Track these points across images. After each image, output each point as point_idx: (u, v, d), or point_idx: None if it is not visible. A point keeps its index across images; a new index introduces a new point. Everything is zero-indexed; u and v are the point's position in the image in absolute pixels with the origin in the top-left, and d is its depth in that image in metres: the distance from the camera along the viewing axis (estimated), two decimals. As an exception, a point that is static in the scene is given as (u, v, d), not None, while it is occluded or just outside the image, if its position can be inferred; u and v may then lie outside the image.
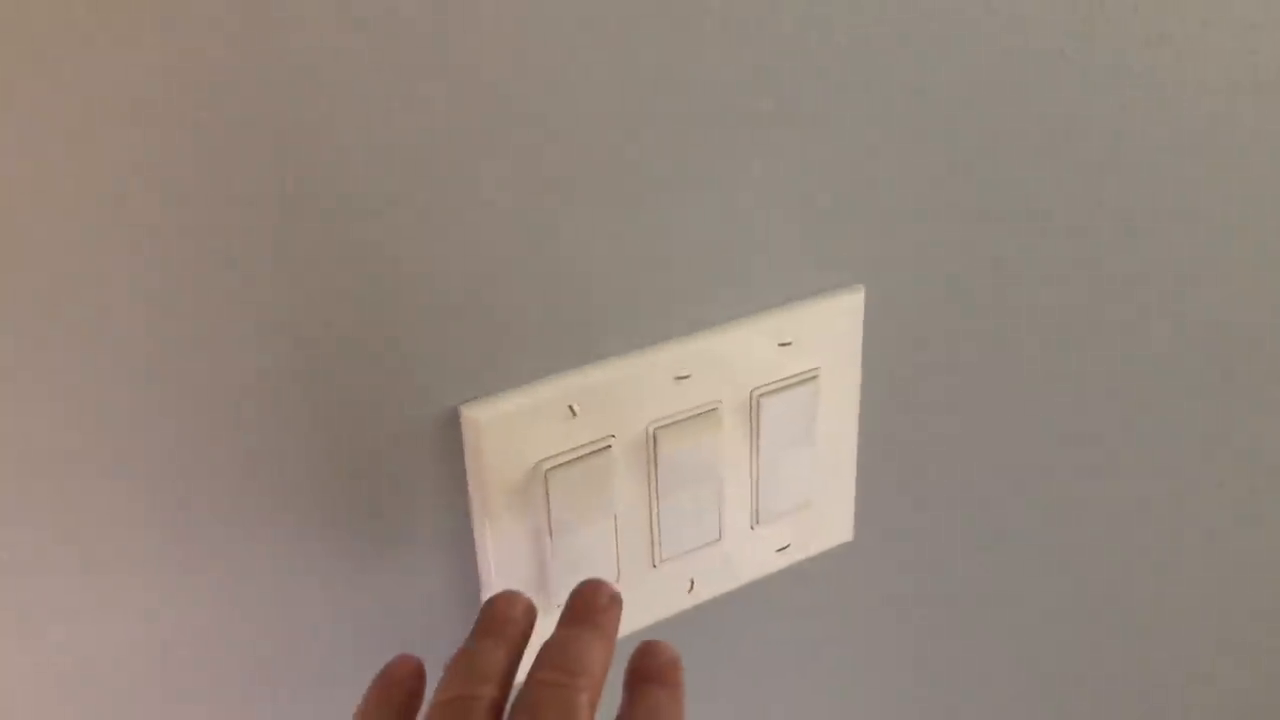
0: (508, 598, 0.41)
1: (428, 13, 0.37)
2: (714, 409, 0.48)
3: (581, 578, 0.47)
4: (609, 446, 0.46)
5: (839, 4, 0.45)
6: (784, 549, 0.54)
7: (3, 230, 0.34)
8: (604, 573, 0.48)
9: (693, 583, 0.52)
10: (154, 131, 0.35)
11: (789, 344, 0.49)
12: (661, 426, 0.47)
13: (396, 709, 0.37)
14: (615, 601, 0.40)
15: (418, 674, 0.39)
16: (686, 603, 0.52)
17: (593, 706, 0.36)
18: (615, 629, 0.40)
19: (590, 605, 0.40)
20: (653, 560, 0.50)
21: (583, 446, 0.46)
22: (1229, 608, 0.78)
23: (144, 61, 0.34)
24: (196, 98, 0.35)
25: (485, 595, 0.47)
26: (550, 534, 0.46)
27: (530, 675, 0.36)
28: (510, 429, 0.44)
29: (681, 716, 0.38)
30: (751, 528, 0.52)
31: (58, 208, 0.34)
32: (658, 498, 0.48)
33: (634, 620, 0.51)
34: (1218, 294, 0.64)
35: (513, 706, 0.36)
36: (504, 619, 0.40)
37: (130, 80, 0.34)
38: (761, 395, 0.49)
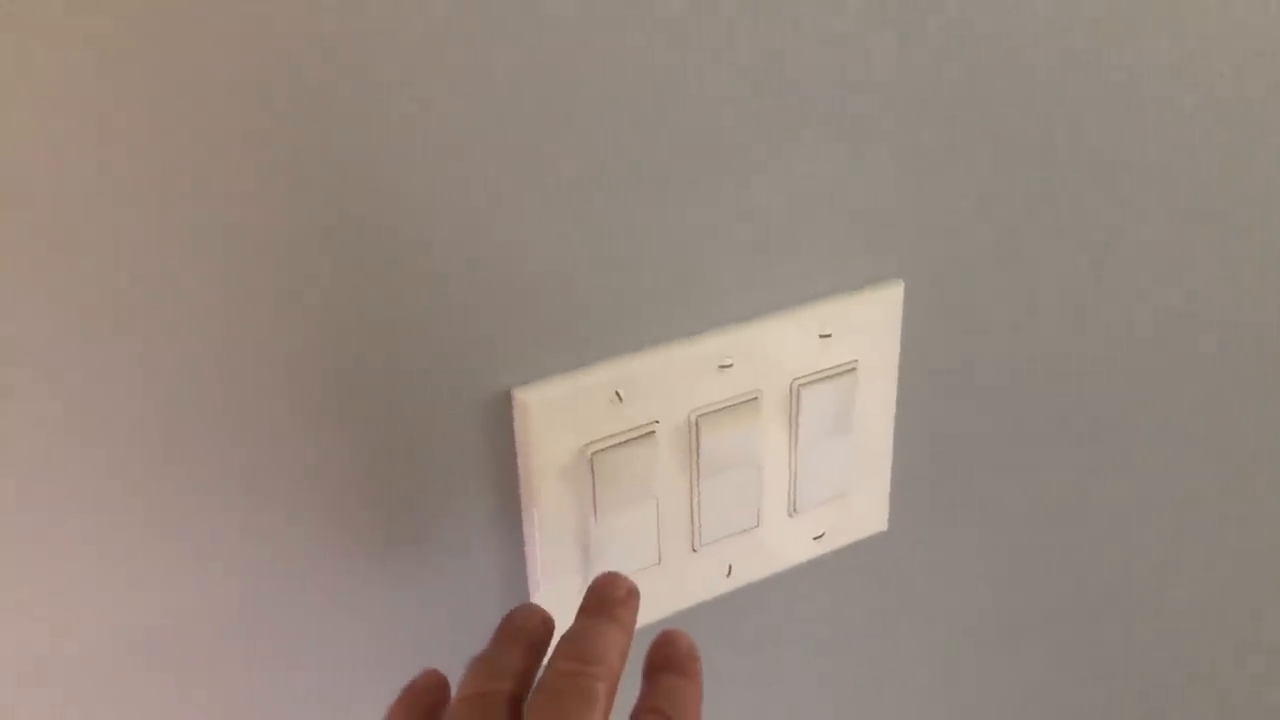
0: (525, 609, 0.42)
1: None
2: (755, 398, 0.49)
3: (624, 558, 0.49)
4: (653, 432, 0.47)
5: (884, 2, 0.46)
6: (819, 537, 0.55)
7: (72, 221, 0.36)
8: (645, 554, 0.49)
9: (731, 568, 0.53)
10: (215, 122, 0.37)
11: (829, 336, 0.51)
12: (704, 414, 0.49)
13: (422, 715, 0.38)
14: (632, 594, 0.41)
15: (442, 685, 0.40)
16: (724, 587, 0.53)
17: (610, 694, 0.36)
18: (633, 621, 0.40)
19: (608, 598, 0.40)
20: (693, 544, 0.51)
21: (628, 431, 0.47)
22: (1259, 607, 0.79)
23: (194, 62, 0.36)
24: (256, 88, 0.37)
25: (532, 572, 0.48)
26: (595, 514, 0.47)
27: (549, 665, 0.37)
28: (559, 412, 0.45)
29: (699, 705, 0.38)
30: (789, 515, 0.53)
31: (119, 198, 0.36)
32: (698, 483, 0.50)
33: (674, 602, 0.52)
34: (1258, 293, 0.64)
35: (532, 695, 0.36)
36: (521, 627, 0.41)
37: (183, 80, 0.36)
38: (801, 386, 0.50)
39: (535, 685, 0.37)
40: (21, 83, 0.34)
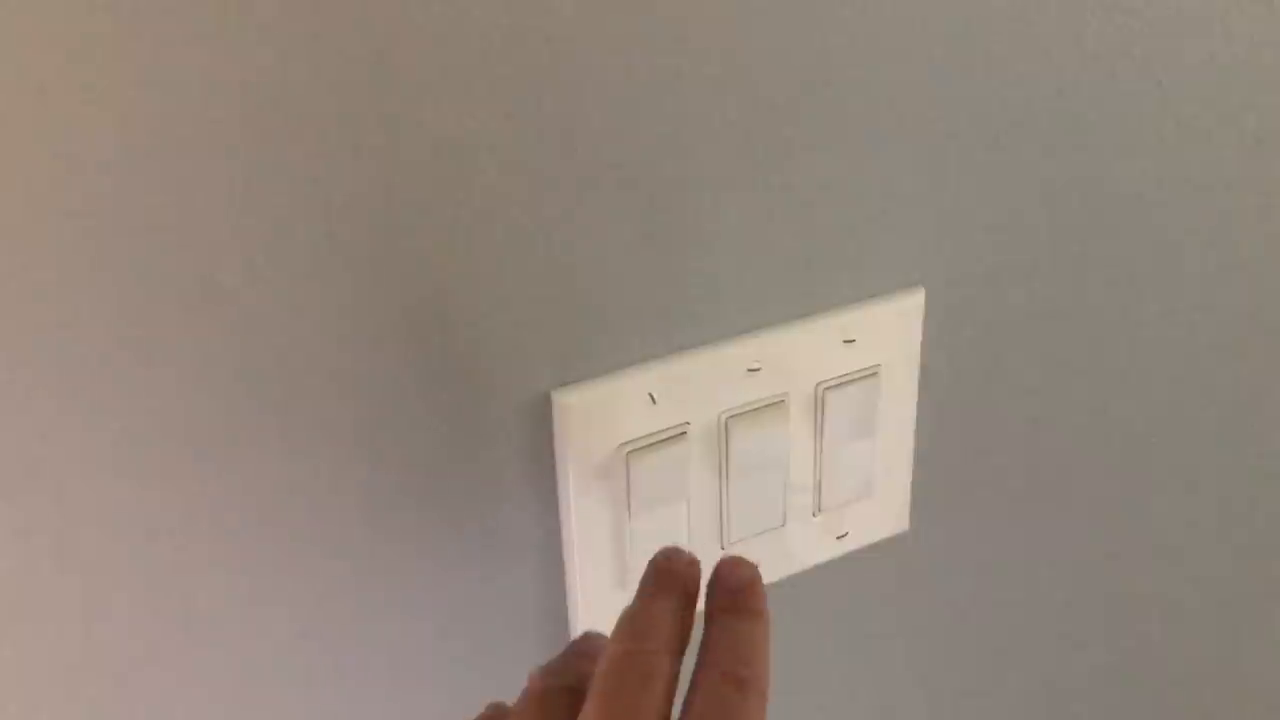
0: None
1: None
2: (782, 401, 0.51)
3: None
4: (684, 433, 0.49)
5: (905, 10, 0.48)
6: (843, 537, 0.57)
7: (117, 219, 0.38)
8: (676, 551, 0.51)
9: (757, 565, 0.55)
10: (257, 122, 0.39)
11: (853, 341, 0.52)
12: (733, 416, 0.50)
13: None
14: (693, 565, 0.39)
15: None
16: (751, 584, 0.55)
17: (674, 667, 0.35)
18: (695, 589, 0.38)
19: (666, 570, 0.38)
20: (721, 542, 0.53)
21: (661, 432, 0.49)
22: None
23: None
24: (297, 87, 0.39)
25: (569, 567, 0.50)
26: (629, 513, 0.49)
27: (607, 647, 0.35)
28: (596, 414, 0.47)
29: (767, 647, 0.36)
30: (813, 515, 0.55)
31: (193, 196, 0.38)
32: (727, 483, 0.51)
33: (702, 599, 0.54)
34: None
35: (593, 681, 0.35)
36: (587, 648, 0.39)
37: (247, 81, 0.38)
38: (826, 389, 0.52)
39: (597, 671, 0.35)
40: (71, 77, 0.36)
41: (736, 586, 0.38)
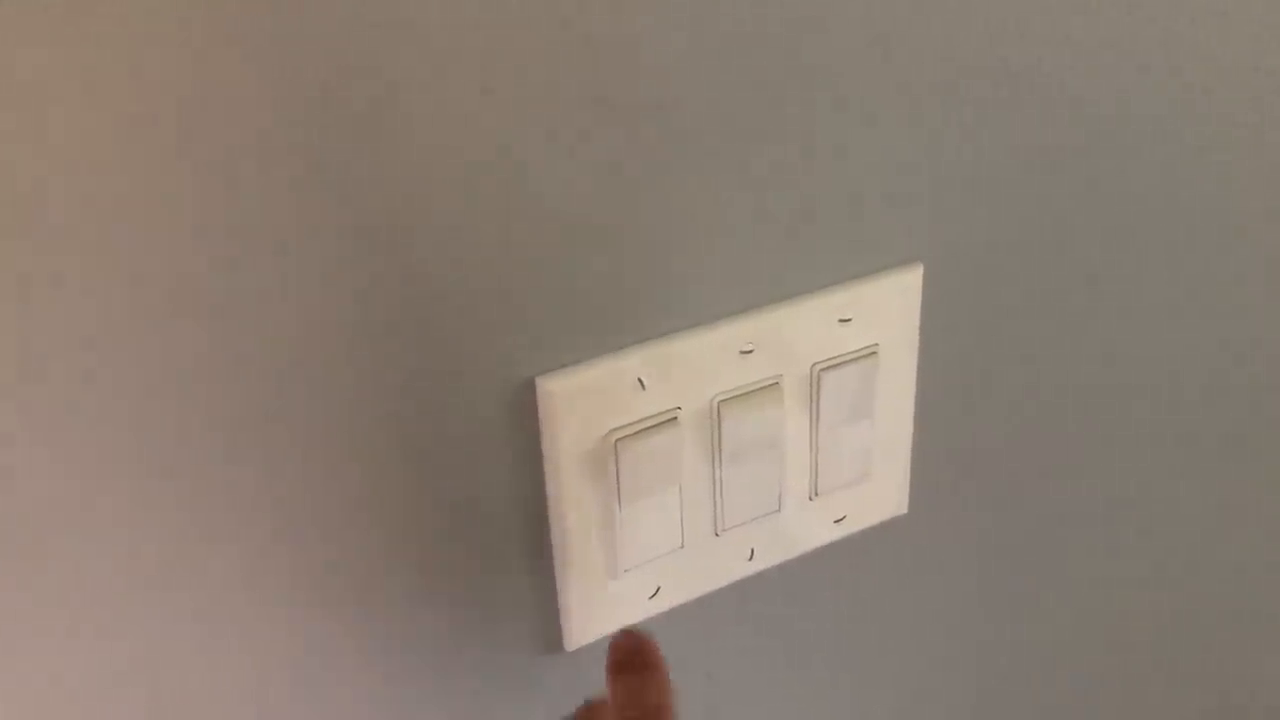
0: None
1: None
2: (776, 383, 0.50)
3: (648, 543, 0.49)
4: (675, 418, 0.48)
5: (902, -10, 0.46)
6: (841, 520, 0.55)
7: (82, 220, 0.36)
8: (669, 539, 0.50)
9: (753, 551, 0.53)
10: (233, 120, 0.37)
11: (849, 320, 0.51)
12: (725, 399, 0.49)
13: None
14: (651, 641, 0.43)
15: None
16: (747, 570, 0.54)
17: None
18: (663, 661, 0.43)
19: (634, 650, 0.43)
20: (715, 529, 0.52)
21: (651, 417, 0.47)
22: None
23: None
24: (274, 82, 0.37)
25: (558, 559, 0.49)
26: (619, 500, 0.47)
27: None
28: (583, 400, 0.46)
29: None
30: (810, 499, 0.54)
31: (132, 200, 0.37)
32: (721, 468, 0.50)
33: (697, 586, 0.53)
34: None
35: None
36: None
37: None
38: (822, 370, 0.51)
39: None
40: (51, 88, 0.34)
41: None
